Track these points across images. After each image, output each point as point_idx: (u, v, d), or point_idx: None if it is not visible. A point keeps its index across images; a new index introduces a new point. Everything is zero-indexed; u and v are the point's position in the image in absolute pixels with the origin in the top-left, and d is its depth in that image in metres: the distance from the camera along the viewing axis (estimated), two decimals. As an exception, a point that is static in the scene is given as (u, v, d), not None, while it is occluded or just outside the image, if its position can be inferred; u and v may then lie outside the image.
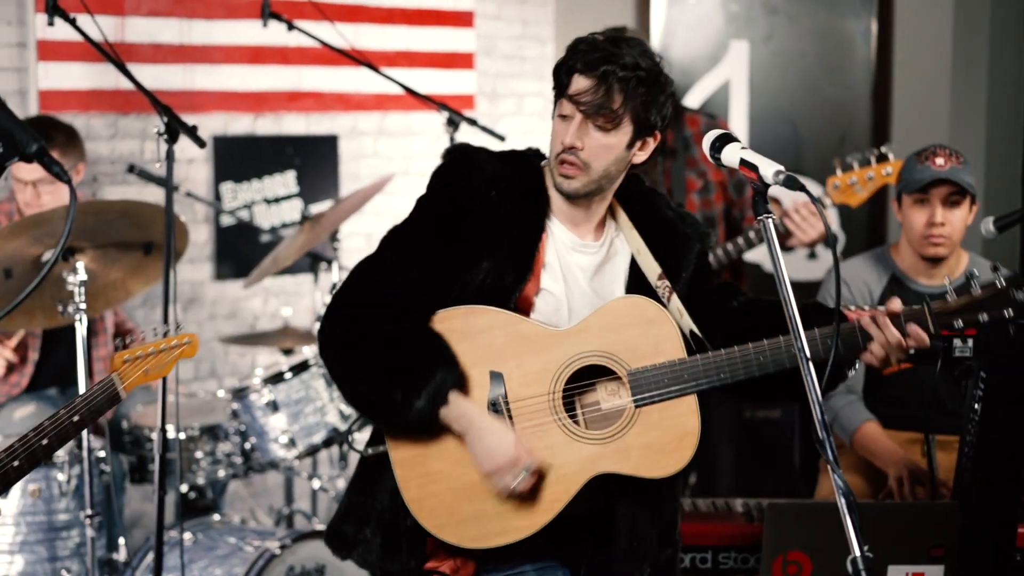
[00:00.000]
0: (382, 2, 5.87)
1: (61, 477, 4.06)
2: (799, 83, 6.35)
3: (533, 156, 3.02)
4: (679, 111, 4.84)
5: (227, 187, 5.57)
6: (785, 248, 4.64)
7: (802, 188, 2.38)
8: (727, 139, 2.58)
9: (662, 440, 2.81)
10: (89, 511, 3.83)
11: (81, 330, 3.81)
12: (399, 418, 2.80)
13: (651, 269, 2.94)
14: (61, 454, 4.07)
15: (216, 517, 4.42)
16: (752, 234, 4.59)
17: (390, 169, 5.90)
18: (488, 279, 2.86)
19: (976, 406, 3.31)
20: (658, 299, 2.90)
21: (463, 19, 6.12)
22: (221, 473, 4.43)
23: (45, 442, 2.30)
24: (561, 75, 2.87)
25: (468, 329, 2.84)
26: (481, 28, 6.18)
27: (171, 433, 4.04)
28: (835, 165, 4.40)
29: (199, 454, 4.41)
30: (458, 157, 2.96)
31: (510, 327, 2.85)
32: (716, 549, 3.53)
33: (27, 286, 3.84)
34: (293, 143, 5.73)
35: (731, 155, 2.55)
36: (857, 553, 2.21)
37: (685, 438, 2.81)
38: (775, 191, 3.33)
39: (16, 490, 4.02)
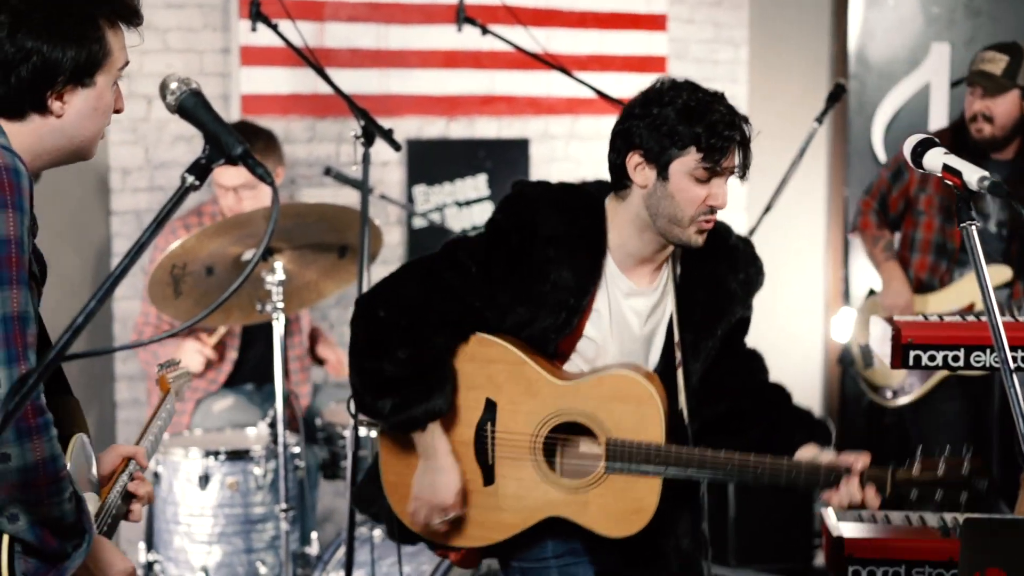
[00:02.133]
0: (575, 6, 5.88)
1: (257, 471, 4.16)
2: (1003, 86, 6.14)
3: (596, 192, 3.06)
4: None
5: (419, 190, 5.65)
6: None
7: (1007, 195, 2.31)
8: (929, 144, 2.51)
9: (618, 507, 3.00)
10: (284, 505, 3.93)
11: (279, 328, 3.91)
12: (379, 415, 3.02)
13: (677, 332, 3.07)
14: (258, 449, 4.18)
15: (405, 515, 4.46)
16: None
17: (581, 173, 5.90)
18: (535, 324, 3.00)
19: None
20: (673, 363, 3.04)
21: (656, 22, 6.09)
22: (411, 472, 4.48)
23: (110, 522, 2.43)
24: (713, 152, 2.87)
25: (477, 355, 3.04)
26: (673, 31, 6.14)
27: (363, 431, 4.11)
28: None
29: (389, 452, 4.47)
30: (522, 203, 3.02)
31: (515, 367, 3.02)
32: (910, 564, 3.45)
33: (226, 283, 3.97)
34: (485, 147, 5.78)
35: (933, 160, 2.48)
36: (1061, 573, 2.14)
37: (639, 512, 3.00)
38: None
39: (215, 483, 4.14)
